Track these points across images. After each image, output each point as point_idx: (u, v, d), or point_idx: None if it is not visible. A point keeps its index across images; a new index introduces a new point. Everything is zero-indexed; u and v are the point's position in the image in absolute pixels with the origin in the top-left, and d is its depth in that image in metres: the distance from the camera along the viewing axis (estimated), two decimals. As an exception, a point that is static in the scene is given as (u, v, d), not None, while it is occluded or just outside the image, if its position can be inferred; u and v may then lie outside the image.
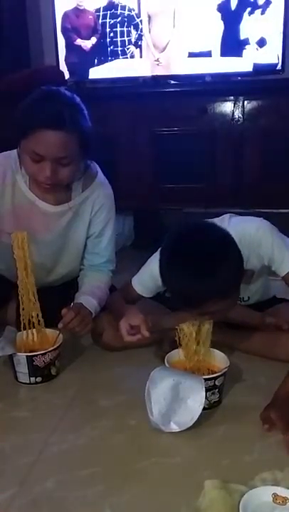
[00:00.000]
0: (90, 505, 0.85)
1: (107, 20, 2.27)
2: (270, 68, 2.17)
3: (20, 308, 1.25)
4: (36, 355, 1.20)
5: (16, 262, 1.22)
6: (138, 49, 2.27)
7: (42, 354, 1.20)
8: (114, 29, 2.27)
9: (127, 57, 2.29)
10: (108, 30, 2.27)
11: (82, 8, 2.28)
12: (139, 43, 2.26)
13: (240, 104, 2.07)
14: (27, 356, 1.20)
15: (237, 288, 1.10)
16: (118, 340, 1.34)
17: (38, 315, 1.25)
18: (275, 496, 0.75)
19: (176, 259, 1.04)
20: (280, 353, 1.25)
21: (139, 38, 2.26)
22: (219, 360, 1.15)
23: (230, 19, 2.16)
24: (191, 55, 2.23)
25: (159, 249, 1.25)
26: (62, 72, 2.31)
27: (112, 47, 2.29)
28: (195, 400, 1.01)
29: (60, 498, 0.87)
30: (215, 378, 1.08)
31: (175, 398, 1.03)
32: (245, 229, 1.18)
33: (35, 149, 1.16)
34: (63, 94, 1.21)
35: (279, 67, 2.16)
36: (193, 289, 1.02)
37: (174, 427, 1.01)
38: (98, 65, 2.32)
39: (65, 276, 1.48)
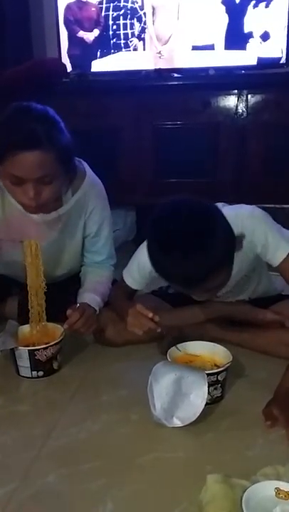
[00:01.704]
0: (92, 499, 0.85)
1: (110, 12, 2.24)
2: (273, 62, 2.15)
3: (30, 313, 1.25)
4: (38, 349, 1.20)
5: (24, 267, 1.22)
6: (141, 42, 2.25)
7: (44, 348, 1.20)
8: (117, 22, 2.24)
9: (129, 50, 2.27)
10: (111, 22, 2.25)
11: (84, 0, 2.26)
12: (142, 35, 2.24)
13: (244, 98, 2.05)
14: (29, 350, 1.20)
15: (232, 256, 1.07)
16: (120, 336, 1.34)
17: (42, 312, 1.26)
18: (278, 490, 0.75)
19: (165, 245, 1.01)
20: (282, 350, 1.24)
21: (143, 30, 2.24)
22: (222, 355, 1.15)
23: (235, 12, 2.14)
24: (195, 48, 2.21)
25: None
26: (64, 65, 2.29)
27: (114, 39, 2.26)
28: (198, 395, 1.01)
29: (61, 492, 0.87)
30: (218, 373, 1.07)
31: (178, 393, 1.02)
32: (238, 216, 1.14)
33: (13, 173, 1.11)
34: (35, 110, 1.13)
35: (283, 60, 2.14)
36: (190, 272, 1.00)
37: (177, 422, 1.01)
38: (101, 57, 2.30)
39: (66, 274, 1.47)
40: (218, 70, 2.18)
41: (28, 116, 1.11)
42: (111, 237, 1.44)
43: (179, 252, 0.98)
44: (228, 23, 2.15)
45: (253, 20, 2.12)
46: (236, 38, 2.16)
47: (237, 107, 2.06)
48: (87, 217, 1.36)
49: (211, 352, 1.18)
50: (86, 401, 1.14)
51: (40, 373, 1.22)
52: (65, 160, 1.16)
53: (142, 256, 1.25)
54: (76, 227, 1.36)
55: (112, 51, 2.28)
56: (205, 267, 1.00)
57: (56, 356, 1.24)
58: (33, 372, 1.21)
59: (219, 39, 2.18)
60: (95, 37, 2.28)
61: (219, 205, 1.23)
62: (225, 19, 2.15)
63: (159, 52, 2.24)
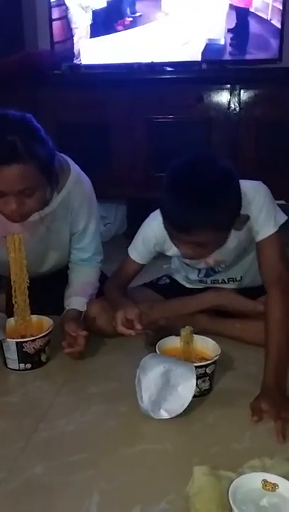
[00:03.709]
0: (79, 490, 0.84)
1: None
2: (267, 57, 2.15)
3: (14, 308, 1.24)
4: (26, 342, 1.19)
5: (8, 262, 1.20)
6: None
7: (32, 340, 1.19)
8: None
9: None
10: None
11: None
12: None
13: (237, 92, 2.05)
14: (17, 342, 1.19)
15: (229, 225, 1.09)
16: (111, 326, 1.33)
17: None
18: (265, 482, 0.75)
19: (175, 185, 1.05)
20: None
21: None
22: (211, 348, 1.15)
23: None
24: (188, 41, 2.20)
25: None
26: (56, 55, 2.27)
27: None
28: (186, 388, 1.01)
29: (48, 483, 0.86)
30: (206, 366, 1.07)
31: (166, 385, 1.02)
32: (243, 186, 1.15)
33: None
34: (12, 121, 1.08)
35: (276, 56, 2.14)
36: (186, 214, 1.03)
37: (164, 414, 1.01)
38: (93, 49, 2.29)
39: (51, 269, 1.44)
40: (211, 64, 2.18)
41: (5, 128, 1.07)
42: (98, 234, 1.42)
43: (182, 195, 1.02)
44: (223, 18, 2.14)
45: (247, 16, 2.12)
46: (230, 33, 2.16)
47: (230, 101, 2.06)
48: (74, 215, 1.33)
49: (200, 344, 1.18)
50: (74, 393, 1.14)
51: (28, 366, 1.21)
52: (47, 170, 1.12)
53: (147, 229, 1.27)
54: (62, 225, 1.33)
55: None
56: (199, 216, 1.02)
57: (44, 349, 1.23)
58: (20, 365, 1.21)
59: (213, 33, 2.17)
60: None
61: None
62: (219, 14, 2.14)
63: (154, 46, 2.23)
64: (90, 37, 2.27)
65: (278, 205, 1.26)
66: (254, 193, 1.16)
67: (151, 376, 1.03)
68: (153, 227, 1.24)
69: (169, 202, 1.07)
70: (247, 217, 1.15)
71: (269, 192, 1.19)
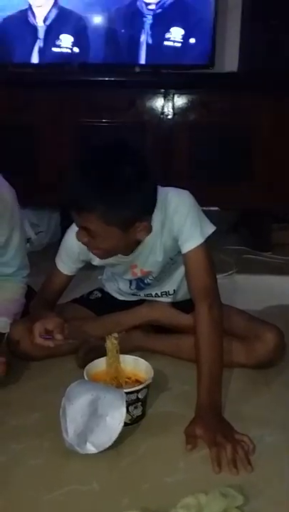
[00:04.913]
0: None
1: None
2: (199, 63, 2.13)
3: None
4: None
5: None
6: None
7: None
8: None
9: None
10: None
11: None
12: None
13: (170, 97, 2.00)
14: None
15: (120, 222, 1.02)
16: (38, 349, 1.22)
17: None
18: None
19: (82, 161, 1.03)
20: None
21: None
22: (144, 369, 1.08)
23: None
24: (122, 44, 2.13)
25: None
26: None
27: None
28: (114, 417, 0.92)
29: None
30: (138, 391, 0.99)
31: (93, 415, 0.93)
32: (169, 192, 1.11)
33: None
34: None
35: (208, 61, 2.12)
36: (79, 189, 0.99)
37: (91, 449, 0.91)
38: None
39: None
40: (145, 67, 2.12)
41: None
42: (23, 247, 1.32)
43: (81, 174, 1.00)
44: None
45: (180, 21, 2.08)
46: (163, 38, 2.11)
47: (163, 106, 2.01)
48: None
49: (132, 366, 1.10)
50: (-9, 429, 1.02)
51: None
52: None
53: (70, 237, 1.18)
54: None
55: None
56: (89, 196, 0.98)
57: None
58: None
59: (145, 37, 2.11)
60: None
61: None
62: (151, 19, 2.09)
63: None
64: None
65: (211, 211, 1.21)
66: (178, 201, 1.10)
67: (77, 406, 0.94)
68: None
69: (71, 177, 1.02)
70: (150, 229, 1.09)
71: (195, 202, 1.13)
